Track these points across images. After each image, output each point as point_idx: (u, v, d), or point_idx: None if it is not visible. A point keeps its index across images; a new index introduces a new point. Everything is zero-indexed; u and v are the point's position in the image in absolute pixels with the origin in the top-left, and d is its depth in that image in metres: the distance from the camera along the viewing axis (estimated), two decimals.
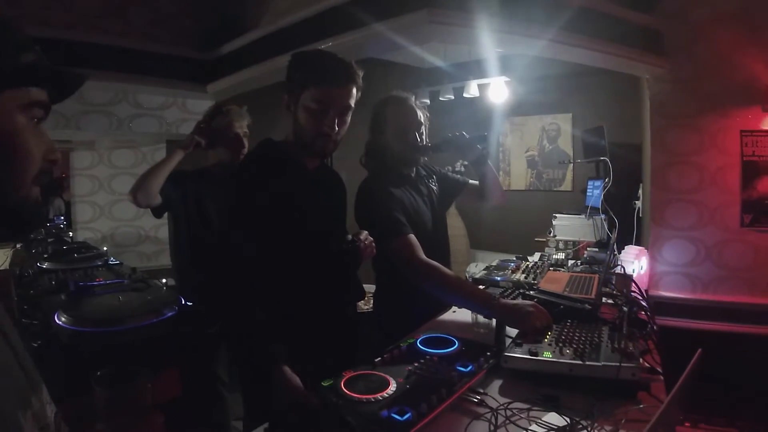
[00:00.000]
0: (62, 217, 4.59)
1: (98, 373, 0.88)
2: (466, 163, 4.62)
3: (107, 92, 3.59)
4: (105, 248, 3.17)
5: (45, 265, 2.64)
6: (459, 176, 2.29)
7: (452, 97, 4.90)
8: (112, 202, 4.03)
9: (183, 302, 1.72)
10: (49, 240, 3.58)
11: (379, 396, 1.09)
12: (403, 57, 4.93)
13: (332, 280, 1.54)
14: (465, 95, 4.68)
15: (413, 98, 1.98)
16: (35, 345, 1.52)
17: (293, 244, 1.46)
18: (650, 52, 2.93)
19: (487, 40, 2.40)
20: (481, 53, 4.36)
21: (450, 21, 2.19)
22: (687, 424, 2.00)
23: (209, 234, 2.37)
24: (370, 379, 1.18)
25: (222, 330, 1.62)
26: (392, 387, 1.13)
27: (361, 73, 1.47)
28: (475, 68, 4.67)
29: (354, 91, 1.46)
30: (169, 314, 1.57)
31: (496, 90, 4.57)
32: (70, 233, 4.01)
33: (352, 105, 1.47)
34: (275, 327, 1.35)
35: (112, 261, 2.80)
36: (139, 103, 3.76)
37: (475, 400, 1.16)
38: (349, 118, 1.50)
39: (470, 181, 2.24)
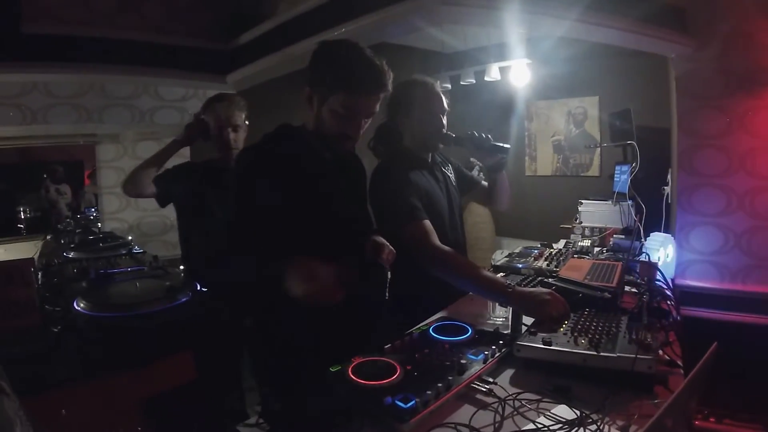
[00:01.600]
0: (93, 209, 4.70)
1: None
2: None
3: (128, 86, 3.64)
4: (130, 238, 3.24)
5: (71, 255, 2.73)
6: (473, 175, 2.25)
7: (473, 81, 4.83)
8: None
9: (198, 288, 1.74)
10: (77, 231, 3.69)
11: (384, 382, 1.09)
12: (422, 42, 4.88)
13: (347, 264, 1.51)
14: (486, 79, 4.61)
15: (438, 83, 1.96)
16: (55, 330, 1.56)
17: (311, 229, 1.44)
18: (675, 29, 2.81)
19: (507, 20, 2.35)
20: (501, 36, 4.27)
21: (463, 2, 2.14)
22: (712, 420, 1.93)
23: (210, 223, 2.38)
24: (377, 366, 1.17)
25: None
26: (399, 374, 1.12)
27: (391, 77, 1.43)
28: (495, 51, 4.59)
29: (382, 96, 1.45)
30: (183, 300, 1.59)
31: (518, 73, 4.49)
32: (99, 224, 4.12)
33: (377, 109, 1.46)
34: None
35: (136, 250, 2.87)
36: (160, 95, 3.80)
37: (484, 389, 1.14)
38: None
39: (482, 183, 2.20)
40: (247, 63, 3.40)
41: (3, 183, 4.41)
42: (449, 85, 4.87)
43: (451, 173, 2.09)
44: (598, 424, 0.99)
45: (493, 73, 4.53)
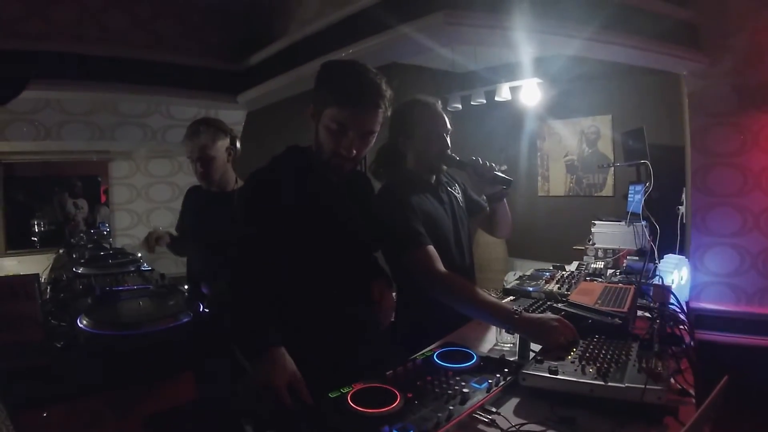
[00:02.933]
0: (107, 224, 4.74)
1: None
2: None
3: (140, 104, 3.71)
4: (140, 255, 3.25)
5: (80, 270, 2.73)
6: (480, 199, 2.21)
7: (484, 101, 4.83)
8: (150, 210, 4.16)
9: (201, 308, 1.73)
10: (89, 246, 3.71)
11: (383, 410, 1.05)
12: (432, 62, 4.90)
13: (352, 290, 1.50)
14: (497, 98, 4.60)
15: (439, 102, 1.93)
16: (58, 345, 1.56)
17: (309, 253, 1.43)
18: (687, 46, 2.79)
19: (516, 40, 2.34)
20: (511, 56, 4.28)
21: (469, 22, 2.14)
22: None
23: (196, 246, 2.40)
24: (377, 393, 1.13)
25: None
26: (399, 401, 1.09)
27: (389, 95, 1.42)
28: (506, 71, 4.60)
29: (380, 114, 1.41)
30: (185, 320, 1.57)
31: (529, 92, 4.47)
32: (110, 239, 4.15)
33: (376, 129, 1.43)
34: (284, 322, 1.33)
35: (144, 267, 2.87)
36: (172, 114, 3.87)
37: (486, 420, 1.10)
38: (372, 140, 1.45)
39: (487, 208, 2.16)
40: (258, 83, 3.43)
41: (20, 195, 4.47)
42: (460, 106, 4.87)
43: (458, 193, 2.05)
44: None
45: (503, 93, 4.53)
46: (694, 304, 2.82)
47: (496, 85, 4.57)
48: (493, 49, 4.26)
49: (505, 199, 2.06)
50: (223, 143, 2.27)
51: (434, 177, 1.95)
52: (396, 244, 1.67)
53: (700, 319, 2.73)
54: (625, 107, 4.60)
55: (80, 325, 1.60)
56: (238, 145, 2.35)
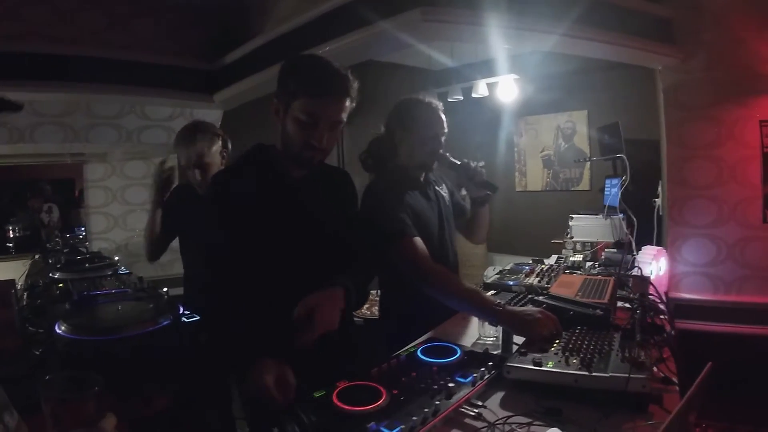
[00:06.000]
0: (83, 228, 4.65)
1: (47, 378, 0.86)
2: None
3: (115, 105, 3.63)
4: (117, 258, 3.18)
5: (56, 275, 2.67)
6: (464, 204, 2.22)
7: (461, 98, 4.84)
8: (126, 213, 4.07)
9: (181, 311, 1.69)
10: (64, 251, 3.62)
11: (369, 408, 1.05)
12: (409, 59, 4.90)
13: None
14: (474, 95, 4.61)
15: (441, 105, 1.94)
16: (37, 353, 1.52)
17: (270, 254, 1.42)
18: (662, 42, 2.83)
19: (492, 36, 2.36)
20: (488, 52, 4.30)
21: (446, 19, 2.15)
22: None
23: (186, 246, 2.45)
24: (362, 390, 1.13)
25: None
26: (385, 398, 1.08)
27: (356, 86, 1.41)
28: (483, 67, 4.62)
29: (347, 104, 1.40)
30: (165, 323, 1.54)
31: (506, 88, 4.50)
32: (87, 244, 4.06)
33: (344, 119, 1.41)
34: (256, 337, 1.31)
35: (122, 271, 2.81)
36: (147, 114, 3.79)
37: (473, 413, 1.10)
38: (339, 132, 1.45)
39: (468, 213, 2.18)
40: (235, 81, 3.39)
41: None
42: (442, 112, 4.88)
43: (445, 192, 2.07)
44: None
45: (480, 90, 4.55)
46: (672, 294, 2.87)
47: (473, 81, 4.59)
48: (469, 46, 4.28)
49: (487, 206, 2.08)
50: (217, 148, 2.28)
51: (423, 174, 1.96)
52: (382, 235, 1.67)
53: (678, 308, 2.77)
54: (600, 103, 4.65)
55: (58, 331, 1.56)
56: (229, 146, 2.35)
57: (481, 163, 1.94)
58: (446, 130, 1.90)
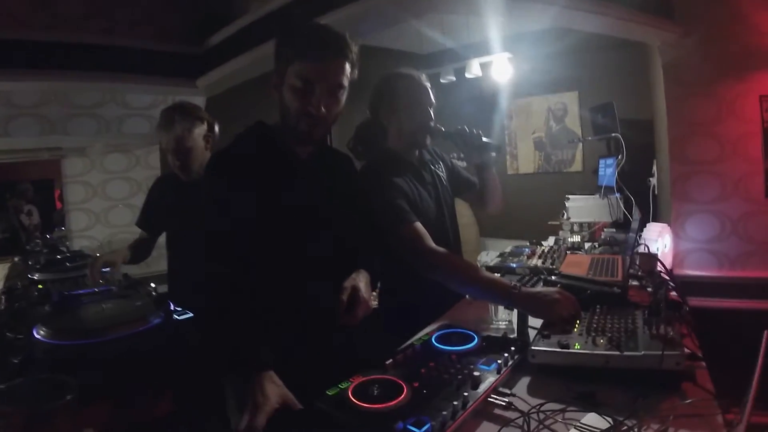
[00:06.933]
0: (63, 228, 4.51)
1: (12, 383, 0.73)
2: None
3: (94, 94, 3.45)
4: (99, 255, 3.05)
5: (36, 276, 2.53)
6: (468, 175, 2.13)
7: (453, 79, 4.74)
8: (108, 209, 3.90)
9: (172, 307, 1.57)
10: (44, 251, 3.48)
11: (392, 404, 0.95)
12: (400, 43, 4.80)
13: (325, 279, 1.32)
14: (467, 75, 4.51)
15: (423, 75, 1.84)
16: (15, 361, 1.39)
17: (276, 241, 1.30)
18: (661, 16, 2.77)
19: (491, 9, 2.26)
20: (481, 32, 4.20)
21: None
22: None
23: (173, 237, 2.34)
24: (381, 385, 1.03)
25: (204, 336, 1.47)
26: (407, 393, 0.99)
27: (355, 48, 1.30)
28: (476, 47, 4.51)
29: (346, 67, 1.28)
30: (156, 322, 1.42)
31: (500, 67, 4.39)
32: (68, 243, 3.90)
33: (344, 83, 1.29)
34: (261, 332, 1.19)
35: (104, 269, 2.69)
36: (128, 103, 3.62)
37: (503, 403, 1.01)
38: (342, 98, 1.32)
39: (477, 184, 2.08)
40: (219, 65, 3.25)
41: None
42: (428, 84, 4.77)
43: (442, 172, 1.97)
44: (635, 430, 0.89)
45: (474, 69, 4.44)
46: (677, 272, 2.84)
47: (466, 61, 4.48)
48: (462, 26, 4.18)
49: (494, 168, 1.99)
50: (200, 131, 2.13)
51: (417, 154, 1.86)
52: (382, 223, 1.57)
53: (684, 285, 2.74)
54: (591, 83, 4.61)
55: (37, 336, 1.43)
56: (216, 129, 2.21)
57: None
58: (434, 102, 1.80)
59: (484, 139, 1.81)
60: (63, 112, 3.38)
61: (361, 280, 1.30)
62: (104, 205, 3.93)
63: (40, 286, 2.30)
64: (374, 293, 1.85)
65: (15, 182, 4.78)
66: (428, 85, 1.81)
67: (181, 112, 2.11)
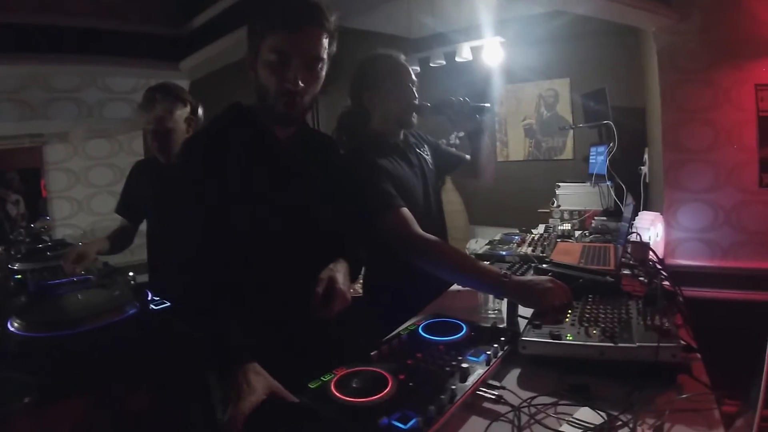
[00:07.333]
0: (47, 217, 4.41)
1: None
2: (461, 135, 4.44)
3: (74, 77, 3.36)
4: (81, 243, 2.97)
5: (17, 266, 2.47)
6: (455, 151, 2.08)
7: (443, 63, 4.65)
8: (91, 196, 3.81)
9: (150, 297, 1.52)
10: (27, 240, 3.40)
11: (376, 398, 0.91)
12: (389, 26, 4.71)
13: (306, 268, 1.25)
14: (457, 59, 4.43)
15: (402, 56, 1.79)
16: None
17: (252, 228, 1.24)
18: (656, 1, 2.72)
19: None
20: (472, 17, 4.12)
21: None
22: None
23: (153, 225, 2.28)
24: (364, 378, 0.98)
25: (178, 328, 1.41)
26: (392, 386, 0.95)
27: (332, 17, 1.21)
28: (466, 31, 4.43)
29: (323, 38, 1.20)
30: (131, 312, 1.37)
31: (491, 52, 4.32)
32: (50, 231, 3.82)
33: (322, 55, 1.21)
34: (240, 323, 1.13)
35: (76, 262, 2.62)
36: (109, 86, 3.52)
37: (492, 397, 0.97)
38: (321, 74, 1.24)
39: (467, 157, 2.03)
40: (202, 47, 3.16)
41: None
42: (418, 68, 4.69)
43: (427, 154, 1.92)
44: (630, 426, 0.85)
45: (464, 53, 4.36)
46: (669, 261, 2.81)
47: (457, 44, 4.40)
48: (453, 10, 4.10)
49: (487, 134, 1.95)
50: (182, 113, 2.07)
51: (402, 136, 1.81)
52: (367, 209, 1.52)
53: (676, 275, 2.72)
54: (583, 70, 4.55)
55: (11, 328, 1.37)
56: (200, 113, 2.15)
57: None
58: (416, 80, 1.76)
59: (470, 102, 1.77)
60: (43, 96, 3.29)
61: (339, 271, 1.23)
62: (87, 193, 3.84)
63: (18, 277, 2.24)
64: (359, 282, 1.81)
65: (1, 172, 4.67)
66: (407, 64, 1.78)
67: (163, 91, 2.04)
